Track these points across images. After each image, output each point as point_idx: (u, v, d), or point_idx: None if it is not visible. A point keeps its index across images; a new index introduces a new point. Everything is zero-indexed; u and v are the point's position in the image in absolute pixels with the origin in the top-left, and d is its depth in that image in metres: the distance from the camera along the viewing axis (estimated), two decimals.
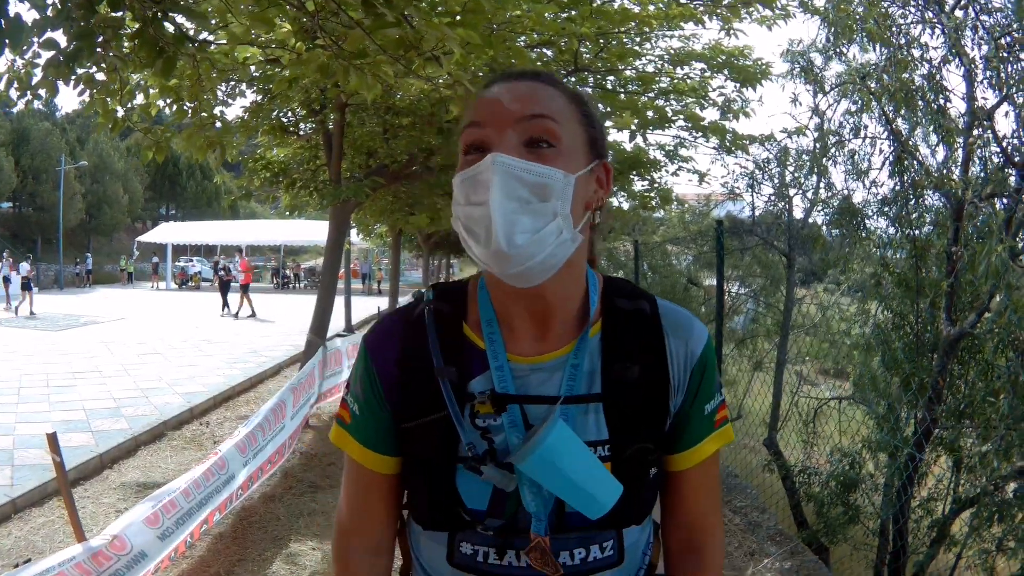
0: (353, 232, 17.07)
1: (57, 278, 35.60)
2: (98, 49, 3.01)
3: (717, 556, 1.23)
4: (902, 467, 4.43)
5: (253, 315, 19.69)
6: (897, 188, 4.92)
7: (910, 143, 4.65)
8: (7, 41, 2.60)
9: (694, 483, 1.19)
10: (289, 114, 7.90)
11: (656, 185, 9.83)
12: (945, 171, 4.33)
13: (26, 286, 20.81)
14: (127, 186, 46.94)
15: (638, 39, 7.04)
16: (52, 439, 3.16)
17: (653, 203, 10.24)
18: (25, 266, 22.60)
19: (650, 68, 7.69)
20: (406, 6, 3.28)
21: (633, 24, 6.43)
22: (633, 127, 7.29)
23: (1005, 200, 3.85)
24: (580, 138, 1.06)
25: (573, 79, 7.51)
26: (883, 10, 4.22)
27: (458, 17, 4.04)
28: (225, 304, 20.60)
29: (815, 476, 5.78)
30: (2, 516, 5.05)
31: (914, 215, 4.84)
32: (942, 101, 4.24)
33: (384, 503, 1.20)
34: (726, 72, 7.24)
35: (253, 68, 5.11)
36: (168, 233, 39.08)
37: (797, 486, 5.97)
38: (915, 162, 4.67)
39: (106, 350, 12.83)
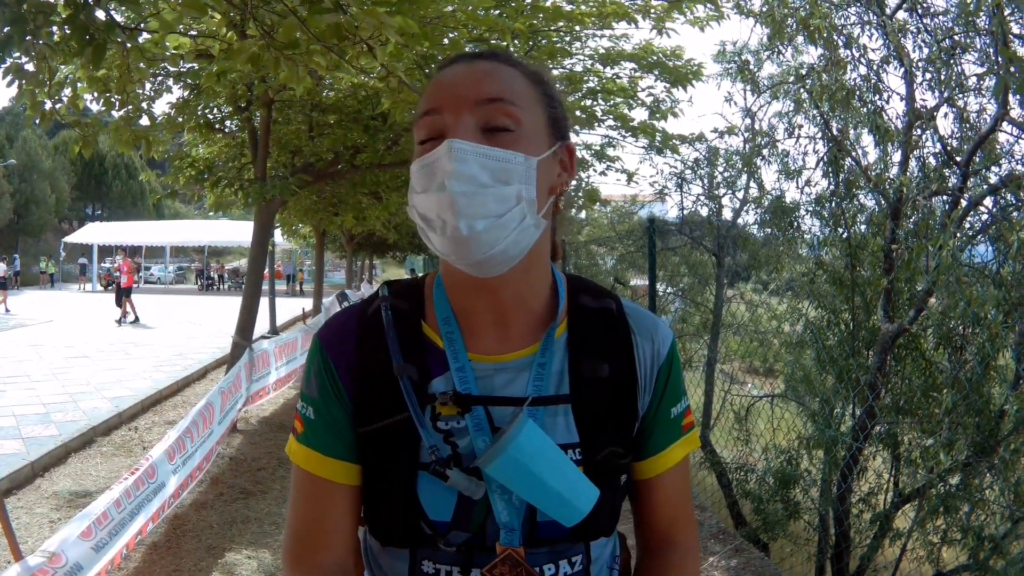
0: (277, 233, 16.58)
1: None
2: (28, 36, 2.78)
3: (692, 564, 1.16)
4: (840, 462, 4.50)
5: (133, 320, 18.11)
6: (832, 188, 5.01)
7: (846, 143, 4.73)
8: None
9: (667, 490, 1.12)
10: (215, 111, 7.62)
11: (583, 184, 9.84)
12: (882, 171, 4.41)
13: (2, 285, 22.36)
14: (54, 185, 45.10)
15: (568, 38, 7.00)
16: None
17: (579, 203, 10.25)
18: (1, 266, 23.97)
19: (579, 68, 7.68)
20: None
21: (564, 22, 6.39)
22: None
23: (945, 199, 3.93)
24: (541, 120, 1.00)
25: None
26: (824, 10, 4.26)
27: (396, 6, 3.91)
28: (131, 311, 18.93)
29: (751, 473, 5.85)
30: None
31: (848, 214, 4.93)
32: (880, 102, 4.32)
33: (349, 520, 1.05)
34: (657, 72, 7.27)
35: (183, 61, 4.87)
36: (95, 234, 37.70)
37: (733, 484, 6.02)
38: (850, 162, 4.75)
39: (35, 354, 12.58)
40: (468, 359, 1.01)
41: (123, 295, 18.15)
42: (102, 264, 38.16)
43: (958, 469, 3.78)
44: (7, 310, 21.45)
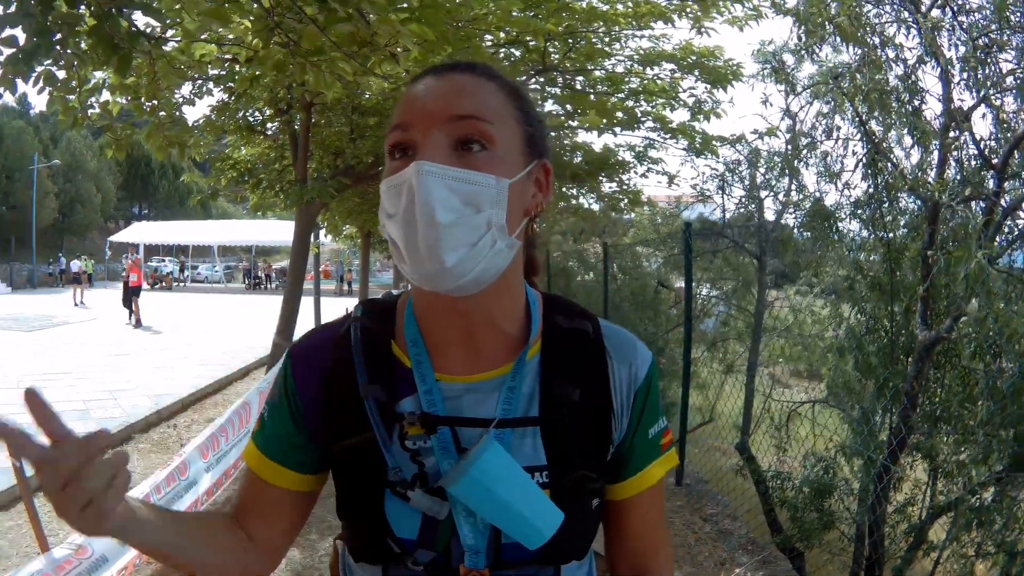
0: (322, 233, 16.86)
1: (31, 278, 34.95)
2: (56, 46, 2.91)
3: None
4: (877, 473, 4.37)
5: (138, 324, 17.59)
6: (871, 190, 4.86)
7: (884, 145, 4.59)
8: None
9: (641, 511, 1.10)
10: (256, 113, 7.79)
11: (625, 187, 9.77)
12: (920, 173, 4.27)
13: (75, 280, 25.06)
14: (100, 185, 46.81)
15: (607, 39, 6.96)
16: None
17: (622, 205, 10.19)
18: (77, 263, 26.66)
19: (620, 68, 7.62)
20: (360, 1, 3.18)
21: (601, 23, 6.35)
22: (601, 126, 7.24)
23: (982, 203, 3.78)
24: (517, 138, 0.97)
25: (542, 79, 7.42)
26: (856, 9, 4.14)
27: (415, 13, 3.94)
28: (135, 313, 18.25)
29: (788, 481, 5.72)
30: None
31: (888, 218, 4.78)
32: (917, 102, 4.18)
33: (280, 515, 1.09)
34: (696, 73, 7.18)
35: (211, 66, 4.99)
36: (141, 233, 38.69)
37: (771, 491, 5.90)
38: (889, 164, 4.61)
39: (77, 351, 12.82)
40: (435, 380, 1.00)
41: (131, 295, 17.81)
42: (147, 263, 39.02)
43: (992, 482, 3.63)
44: (81, 302, 23.18)
